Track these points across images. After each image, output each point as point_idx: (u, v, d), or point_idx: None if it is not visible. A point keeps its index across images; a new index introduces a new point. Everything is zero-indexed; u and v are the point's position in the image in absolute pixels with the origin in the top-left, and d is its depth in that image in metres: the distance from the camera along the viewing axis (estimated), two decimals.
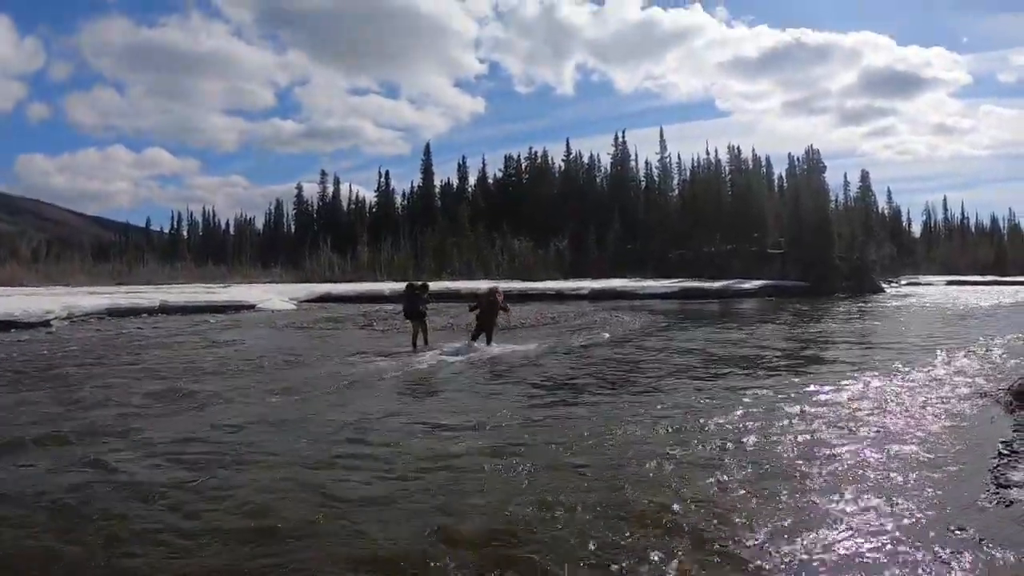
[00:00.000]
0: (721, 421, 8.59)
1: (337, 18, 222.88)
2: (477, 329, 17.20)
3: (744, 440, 7.65)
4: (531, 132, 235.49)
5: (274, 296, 35.50)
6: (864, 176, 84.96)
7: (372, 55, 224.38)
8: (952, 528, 5.02)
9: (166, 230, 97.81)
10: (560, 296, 40.25)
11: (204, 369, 13.66)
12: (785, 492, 5.87)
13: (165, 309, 28.52)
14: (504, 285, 43.04)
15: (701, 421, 8.63)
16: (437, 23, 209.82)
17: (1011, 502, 5.57)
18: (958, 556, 4.58)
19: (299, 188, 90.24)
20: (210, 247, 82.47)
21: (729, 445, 7.46)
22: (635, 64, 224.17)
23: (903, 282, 61.87)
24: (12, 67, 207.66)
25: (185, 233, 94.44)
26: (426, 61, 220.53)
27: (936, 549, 4.68)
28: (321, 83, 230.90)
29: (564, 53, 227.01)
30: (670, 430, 8.23)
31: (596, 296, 40.42)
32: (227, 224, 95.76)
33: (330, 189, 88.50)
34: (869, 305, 33.20)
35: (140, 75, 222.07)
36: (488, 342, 16.98)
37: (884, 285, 51.88)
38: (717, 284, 45.11)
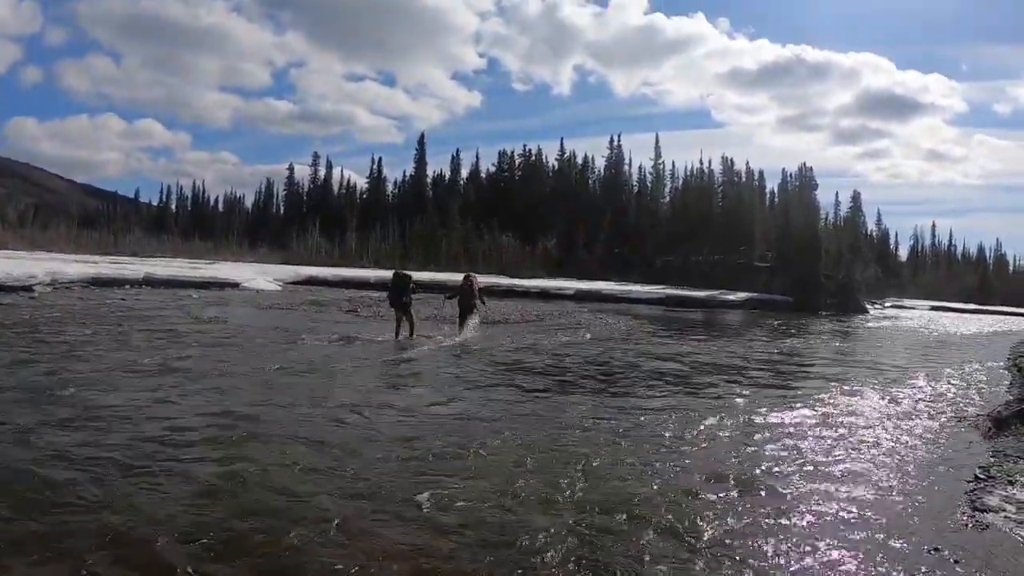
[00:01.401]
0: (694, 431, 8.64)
1: (339, 3, 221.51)
2: (461, 318, 17.62)
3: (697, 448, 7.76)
4: (526, 130, 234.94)
5: (259, 276, 35.36)
6: (855, 196, 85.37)
7: (371, 43, 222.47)
8: (927, 550, 5.03)
9: (155, 202, 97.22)
10: (545, 295, 40.25)
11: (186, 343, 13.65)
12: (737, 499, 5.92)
13: (150, 281, 28.40)
14: (490, 280, 43.25)
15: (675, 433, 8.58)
16: (438, 15, 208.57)
17: (987, 526, 5.59)
18: None
19: (290, 169, 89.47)
20: (198, 222, 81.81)
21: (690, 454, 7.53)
22: (633, 69, 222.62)
23: (887, 304, 62.03)
24: (8, 28, 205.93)
25: (174, 207, 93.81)
26: (425, 52, 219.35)
27: (911, 570, 4.70)
28: (318, 66, 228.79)
29: (563, 53, 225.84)
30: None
31: (581, 297, 40.50)
32: (216, 200, 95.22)
33: (322, 172, 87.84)
34: (852, 325, 33.35)
35: (137, 45, 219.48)
36: (460, 329, 17.38)
37: (868, 306, 52.10)
38: (702, 293, 45.16)
